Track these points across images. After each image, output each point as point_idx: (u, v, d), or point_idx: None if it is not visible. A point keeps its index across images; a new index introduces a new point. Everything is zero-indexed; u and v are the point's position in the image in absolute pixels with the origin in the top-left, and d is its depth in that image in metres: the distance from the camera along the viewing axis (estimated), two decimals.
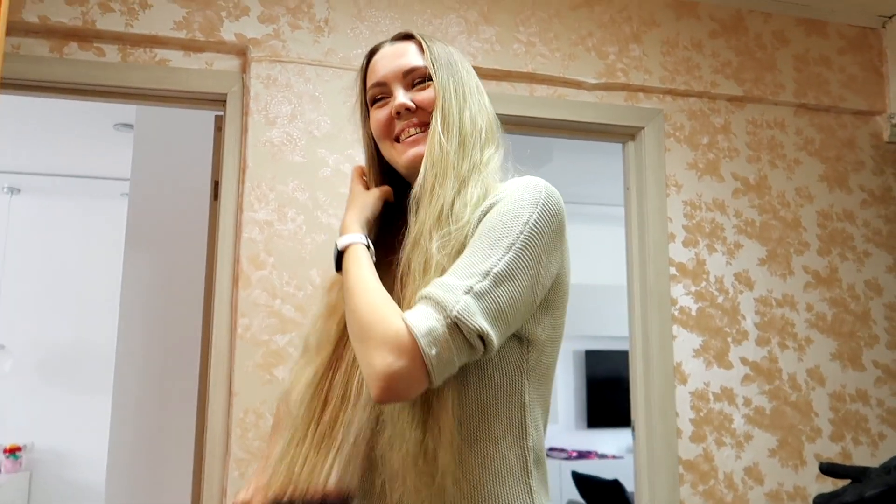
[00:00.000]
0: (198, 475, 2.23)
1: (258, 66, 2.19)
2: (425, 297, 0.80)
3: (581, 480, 3.51)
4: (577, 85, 2.47)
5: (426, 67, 0.97)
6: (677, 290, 2.44)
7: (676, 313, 2.42)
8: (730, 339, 2.46)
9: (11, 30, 2.09)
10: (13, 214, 4.69)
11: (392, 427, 0.85)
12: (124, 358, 2.78)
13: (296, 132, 2.18)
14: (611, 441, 5.28)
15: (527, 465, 0.89)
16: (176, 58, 2.20)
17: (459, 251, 0.85)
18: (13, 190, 4.69)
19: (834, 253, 2.62)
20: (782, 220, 2.59)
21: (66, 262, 4.68)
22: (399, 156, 0.98)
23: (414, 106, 0.96)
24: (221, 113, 2.28)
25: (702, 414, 2.39)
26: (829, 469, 1.60)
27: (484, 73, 2.38)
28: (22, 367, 4.52)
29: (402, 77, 0.98)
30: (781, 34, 2.70)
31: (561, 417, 5.27)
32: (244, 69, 2.23)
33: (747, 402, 2.44)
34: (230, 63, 2.24)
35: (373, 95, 1.01)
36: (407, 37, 1.02)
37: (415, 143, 0.96)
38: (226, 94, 2.21)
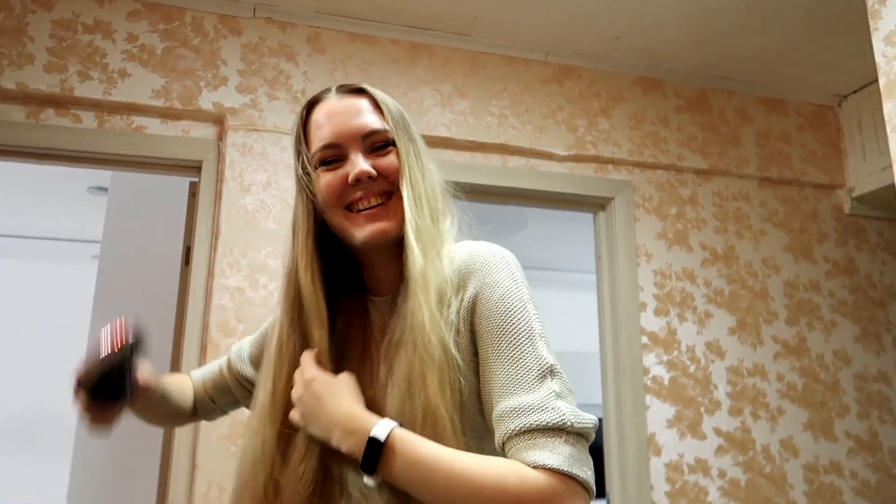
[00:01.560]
0: None
1: (234, 134, 2.22)
2: (546, 428, 0.72)
3: None
4: (549, 156, 2.53)
5: (387, 131, 0.88)
6: (650, 360, 2.44)
7: (649, 383, 2.42)
8: (703, 409, 2.46)
9: None
10: None
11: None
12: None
13: (270, 199, 2.19)
14: None
15: None
16: (153, 125, 2.22)
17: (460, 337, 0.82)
18: None
19: (802, 323, 2.66)
20: (750, 289, 2.64)
21: (32, 325, 4.57)
22: (355, 228, 0.86)
23: (376, 174, 0.86)
24: (196, 179, 2.29)
25: (677, 486, 2.36)
26: None
27: (458, 144, 2.43)
28: None
29: (360, 140, 0.87)
30: (744, 111, 2.81)
31: None
32: (220, 137, 2.25)
33: (722, 474, 2.41)
34: (207, 131, 2.26)
35: (322, 158, 0.87)
36: (357, 91, 0.91)
37: (375, 217, 0.85)
38: (201, 161, 2.23)
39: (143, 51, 2.21)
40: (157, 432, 2.49)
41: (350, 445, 0.76)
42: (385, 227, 0.85)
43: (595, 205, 2.60)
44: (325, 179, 0.86)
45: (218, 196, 2.19)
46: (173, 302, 2.41)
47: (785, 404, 2.55)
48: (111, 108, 2.20)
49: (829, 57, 2.62)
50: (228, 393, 1.11)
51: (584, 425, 0.73)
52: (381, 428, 0.74)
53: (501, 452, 0.76)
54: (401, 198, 0.86)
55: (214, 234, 2.16)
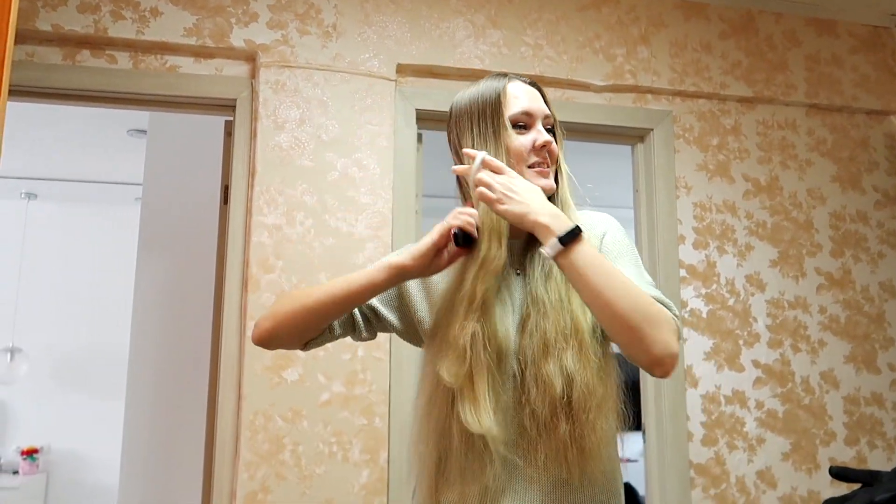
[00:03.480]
0: (208, 477, 2.24)
1: (267, 71, 2.21)
2: (658, 300, 0.98)
3: None
4: (585, 87, 2.47)
5: (554, 120, 1.17)
6: (688, 293, 2.42)
7: (687, 316, 2.41)
8: (741, 342, 2.44)
9: (26, 38, 2.12)
10: (30, 220, 4.76)
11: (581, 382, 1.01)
12: (137, 361, 2.81)
13: (304, 136, 2.20)
14: (625, 445, 5.24)
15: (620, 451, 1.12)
16: (186, 64, 2.22)
17: None
18: (30, 195, 4.75)
19: (847, 254, 2.59)
20: (794, 221, 2.57)
21: (81, 266, 4.74)
22: (536, 179, 1.10)
23: (553, 147, 1.14)
24: (231, 118, 2.30)
25: (713, 417, 2.37)
26: (839, 473, 1.58)
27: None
28: (38, 371, 4.58)
29: (543, 118, 1.14)
30: (792, 34, 2.68)
31: None
32: (253, 75, 2.25)
33: (759, 406, 2.42)
34: (239, 69, 2.26)
35: (517, 120, 1.12)
36: (533, 84, 1.18)
37: (548, 175, 1.12)
38: (235, 100, 2.23)
39: None
40: (203, 368, 2.59)
41: (553, 223, 0.98)
42: (552, 184, 1.12)
43: (633, 137, 2.54)
44: (520, 140, 1.11)
45: (253, 134, 2.20)
46: (214, 240, 2.46)
47: (826, 336, 2.52)
48: (145, 48, 2.20)
49: None
50: (350, 325, 1.17)
51: (679, 324, 0.99)
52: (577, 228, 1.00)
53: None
54: (558, 170, 1.15)
55: (251, 173, 2.18)
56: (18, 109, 3.44)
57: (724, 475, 2.34)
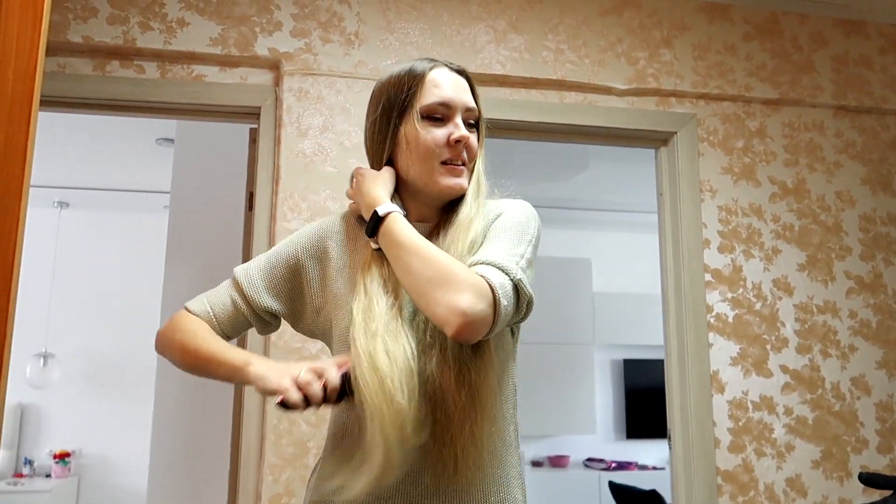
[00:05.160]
0: (233, 480, 2.27)
1: (290, 79, 2.24)
2: (488, 262, 0.94)
3: (618, 490, 3.46)
4: (608, 91, 2.46)
5: (478, 113, 1.10)
6: (713, 297, 2.40)
7: (712, 320, 2.38)
8: (769, 347, 2.41)
9: (58, 50, 2.18)
10: (62, 227, 4.87)
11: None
12: (165, 366, 2.85)
13: (327, 143, 2.22)
14: (651, 452, 5.18)
15: (517, 440, 1.07)
16: (212, 73, 2.27)
17: None
18: (63, 204, 4.87)
19: (878, 258, 2.54)
20: (822, 224, 2.53)
21: (112, 273, 4.83)
22: (441, 178, 1.05)
23: (471, 143, 1.07)
24: (256, 125, 2.33)
25: (740, 423, 2.33)
26: (868, 478, 1.55)
27: (514, 82, 2.39)
28: (70, 376, 4.68)
29: (463, 111, 1.07)
30: (819, 35, 2.64)
31: (600, 427, 5.20)
32: (277, 83, 2.28)
33: (788, 412, 2.37)
34: (264, 77, 2.29)
35: (433, 111, 1.05)
36: (461, 72, 1.10)
37: (459, 174, 1.06)
38: (259, 108, 2.27)
39: None
40: None
41: (367, 216, 1.03)
42: (463, 185, 1.07)
43: (657, 140, 2.53)
44: (433, 133, 1.05)
45: (277, 141, 2.23)
46: (240, 247, 2.50)
47: (857, 342, 2.47)
48: (172, 58, 2.25)
49: None
50: (244, 326, 1.14)
51: (524, 286, 0.94)
52: (385, 207, 1.01)
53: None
54: (473, 169, 1.09)
55: (275, 179, 2.21)
56: (51, 119, 3.53)
57: (752, 482, 2.30)
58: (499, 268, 0.93)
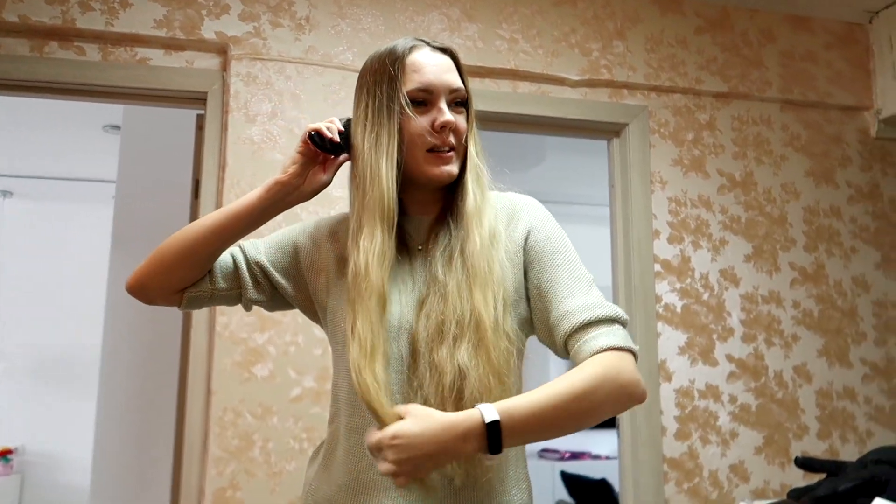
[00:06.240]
0: (177, 474, 2.21)
1: (238, 64, 2.19)
2: (606, 319, 0.94)
3: (570, 480, 3.49)
4: (561, 81, 2.46)
5: (465, 93, 1.03)
6: (662, 287, 2.43)
7: (661, 310, 2.41)
8: (715, 336, 2.45)
9: None
10: (5, 218, 4.69)
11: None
12: (109, 360, 2.77)
13: (275, 129, 2.17)
14: (604, 442, 5.24)
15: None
16: (156, 56, 2.20)
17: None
18: (5, 193, 4.69)
19: (821, 249, 2.61)
20: (768, 216, 2.58)
21: (57, 265, 4.68)
22: (431, 167, 0.99)
23: (457, 126, 1.01)
24: (202, 111, 2.27)
25: (686, 411, 2.37)
26: (805, 463, 1.58)
27: (467, 70, 2.36)
28: (13, 371, 4.52)
29: (448, 93, 1.00)
30: (768, 30, 2.69)
31: None
32: (224, 67, 2.22)
33: (733, 400, 2.42)
34: (211, 61, 2.23)
35: (415, 97, 0.99)
36: (445, 51, 1.03)
37: (448, 161, 1.00)
38: (206, 93, 2.21)
39: None
40: (173, 366, 2.56)
41: (471, 447, 0.83)
42: (453, 171, 1.01)
43: (609, 132, 2.54)
44: (416, 120, 0.98)
45: (224, 127, 2.18)
46: None
47: (800, 331, 2.53)
48: (114, 40, 2.17)
49: None
50: (235, 278, 1.09)
51: (626, 317, 0.97)
52: (488, 412, 0.83)
53: (563, 346, 0.96)
54: (464, 152, 1.02)
55: (221, 166, 2.15)
56: None
57: (697, 469, 2.34)
58: (615, 322, 0.94)
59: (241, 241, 1.11)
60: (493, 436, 0.82)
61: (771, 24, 2.70)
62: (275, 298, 1.12)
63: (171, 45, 2.20)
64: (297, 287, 1.11)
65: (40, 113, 3.64)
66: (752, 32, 2.67)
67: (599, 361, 0.89)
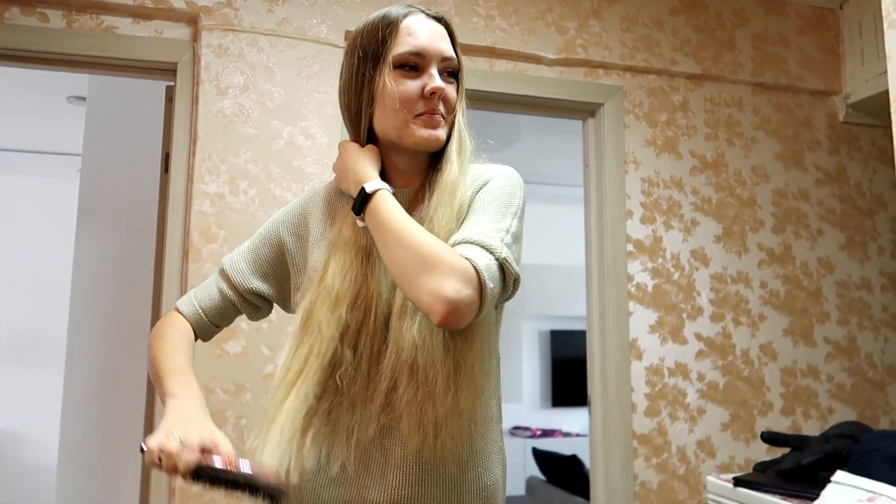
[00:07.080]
0: None
1: (209, 34, 2.14)
2: (471, 241, 0.90)
3: (541, 457, 3.55)
4: (537, 60, 2.45)
5: (457, 63, 1.02)
6: (634, 267, 2.45)
7: (633, 290, 2.44)
8: (685, 315, 2.49)
9: None
10: None
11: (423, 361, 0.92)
12: (76, 337, 2.72)
13: (248, 103, 2.13)
14: (575, 419, 5.33)
15: (500, 413, 1.05)
16: (124, 25, 2.13)
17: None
18: None
19: (788, 231, 2.66)
20: (738, 197, 2.62)
21: (20, 240, 4.56)
22: (416, 129, 0.98)
23: (446, 94, 0.99)
24: (172, 83, 2.22)
25: (656, 389, 2.41)
26: (770, 437, 1.62)
27: None
28: None
29: (440, 60, 0.99)
30: (741, 13, 2.71)
31: (526, 396, 5.31)
32: (195, 38, 2.17)
33: (701, 377, 2.47)
34: (181, 31, 2.18)
35: (406, 61, 0.98)
36: (440, 20, 1.03)
37: (437, 125, 0.99)
38: (176, 64, 2.16)
39: None
40: (142, 342, 2.52)
41: (353, 192, 0.98)
42: (440, 136, 1.00)
43: (584, 111, 2.55)
44: (405, 85, 0.98)
45: (194, 100, 2.13)
46: (154, 211, 2.39)
47: (767, 311, 2.58)
48: (79, 7, 2.10)
49: None
50: (234, 314, 1.11)
51: (509, 264, 0.90)
52: (373, 185, 0.96)
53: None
54: (453, 122, 1.02)
55: (192, 140, 2.11)
56: None
57: (665, 445, 2.39)
58: (483, 247, 0.89)
59: (225, 268, 1.10)
60: (360, 196, 0.96)
61: (744, 6, 2.71)
62: (276, 302, 1.13)
63: (139, 13, 2.14)
64: (279, 287, 1.11)
65: (0, 82, 3.52)
66: (726, 14, 2.69)
67: (449, 253, 0.87)
